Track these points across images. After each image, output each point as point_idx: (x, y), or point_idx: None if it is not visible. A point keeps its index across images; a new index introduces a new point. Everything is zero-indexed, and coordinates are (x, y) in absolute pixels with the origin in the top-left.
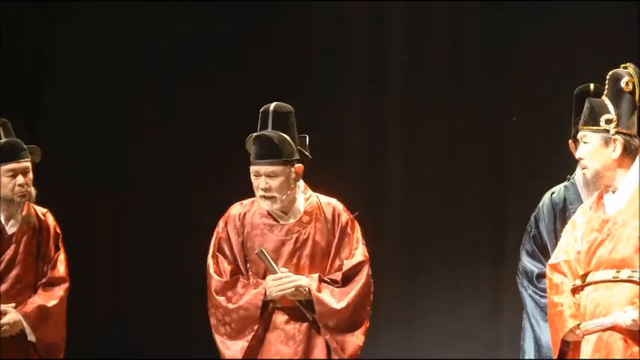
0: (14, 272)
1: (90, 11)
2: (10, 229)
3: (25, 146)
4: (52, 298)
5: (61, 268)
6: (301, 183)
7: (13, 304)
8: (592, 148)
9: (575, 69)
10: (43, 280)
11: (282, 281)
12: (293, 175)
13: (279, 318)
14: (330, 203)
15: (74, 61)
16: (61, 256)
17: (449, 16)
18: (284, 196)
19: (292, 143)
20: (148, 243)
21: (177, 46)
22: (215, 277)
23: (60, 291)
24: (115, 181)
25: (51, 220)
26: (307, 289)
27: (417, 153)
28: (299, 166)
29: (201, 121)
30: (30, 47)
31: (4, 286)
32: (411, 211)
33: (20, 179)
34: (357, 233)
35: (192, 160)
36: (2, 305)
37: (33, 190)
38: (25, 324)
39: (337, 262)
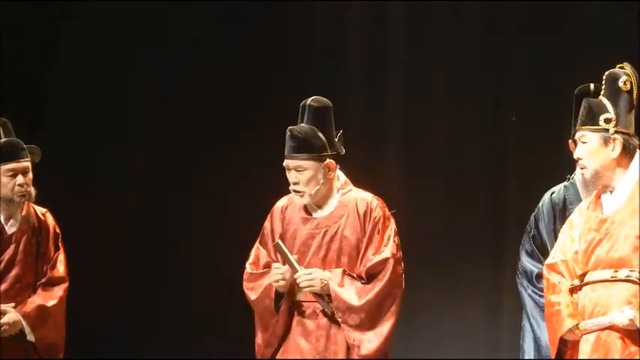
0: (14, 272)
1: (90, 11)
2: (10, 228)
3: (25, 146)
4: (51, 297)
5: (61, 268)
6: (341, 178)
7: (13, 304)
8: (591, 148)
9: (575, 69)
10: (43, 280)
11: (305, 276)
12: (322, 170)
13: (300, 313)
14: (365, 199)
15: (75, 61)
16: (61, 256)
17: (449, 16)
18: (312, 191)
19: (322, 138)
20: (147, 243)
21: (177, 46)
22: (247, 268)
23: (59, 291)
24: (114, 180)
25: (50, 219)
26: (326, 283)
27: (417, 152)
28: (330, 161)
29: (201, 121)
30: (30, 47)
31: (3, 286)
32: (410, 211)
33: (20, 179)
34: (390, 231)
35: (192, 160)
36: (2, 305)
37: (33, 190)
38: (24, 324)
39: (366, 259)
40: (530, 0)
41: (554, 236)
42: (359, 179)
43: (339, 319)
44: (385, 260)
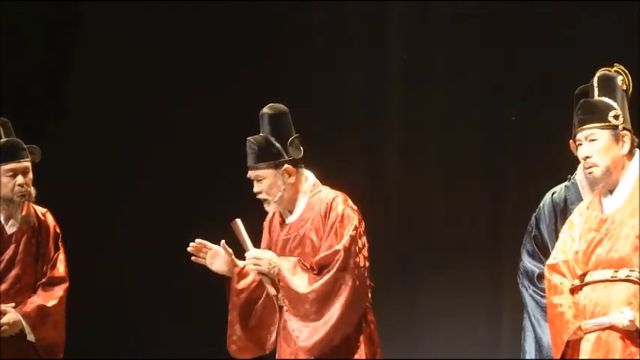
0: (14, 272)
1: (96, 12)
2: (10, 228)
3: (25, 146)
4: (51, 297)
5: (61, 268)
6: (310, 180)
7: (13, 304)
8: (602, 145)
9: (575, 69)
10: (43, 280)
11: (254, 254)
12: (282, 176)
13: (284, 315)
14: (327, 199)
15: (77, 61)
16: (61, 256)
17: (449, 16)
18: (276, 198)
19: (277, 145)
20: (148, 242)
21: (178, 46)
22: None
23: (60, 291)
24: (115, 180)
25: (51, 219)
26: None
27: (417, 152)
28: (288, 166)
29: (202, 122)
30: (30, 46)
31: (3, 286)
32: (411, 211)
33: (20, 179)
34: (348, 228)
35: (193, 160)
36: (2, 305)
37: (33, 190)
38: (24, 324)
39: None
40: (530, 0)
41: (556, 236)
42: (357, 180)
43: (285, 308)
44: (336, 252)
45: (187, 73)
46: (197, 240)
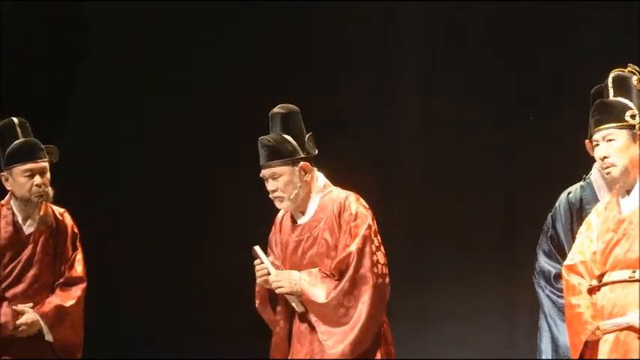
0: (32, 272)
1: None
2: (28, 229)
3: (42, 146)
4: (69, 297)
5: (79, 268)
6: (321, 180)
7: (31, 304)
8: (620, 145)
9: (575, 69)
10: (61, 280)
11: (274, 277)
12: (298, 174)
13: (297, 317)
14: (340, 199)
15: (94, 62)
16: (79, 256)
17: (462, 15)
18: (292, 195)
19: (293, 142)
20: (166, 243)
21: (185, 47)
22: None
23: (77, 291)
24: (132, 181)
25: (68, 219)
26: (297, 283)
27: (430, 152)
28: (304, 163)
29: (212, 122)
30: (49, 48)
31: (21, 286)
32: (425, 211)
33: (37, 179)
34: (363, 226)
35: (206, 160)
36: (20, 305)
37: (50, 190)
38: (42, 324)
39: (336, 256)
40: (529, 0)
41: (572, 236)
42: (371, 179)
43: (312, 319)
44: (349, 255)
45: (198, 75)
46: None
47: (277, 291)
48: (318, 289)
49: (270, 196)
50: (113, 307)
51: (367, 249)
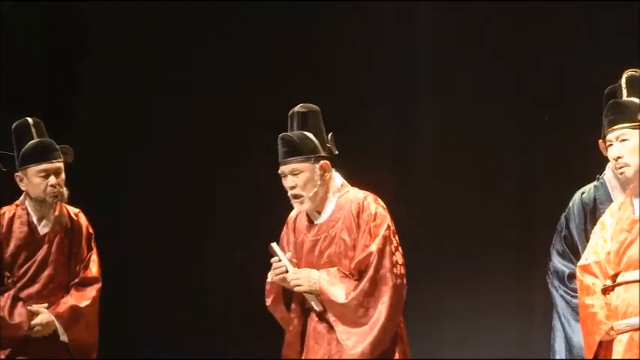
0: (47, 272)
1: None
2: (43, 229)
3: (57, 146)
4: (84, 298)
5: (94, 268)
6: (338, 180)
7: (46, 305)
8: (634, 145)
9: (575, 69)
10: (76, 281)
11: (293, 276)
12: (318, 172)
13: (314, 317)
14: (358, 199)
15: (94, 62)
16: (94, 256)
17: (477, 14)
18: (311, 193)
19: (315, 140)
20: (180, 244)
21: (185, 47)
22: (268, 277)
23: (92, 291)
24: (146, 181)
25: (83, 220)
26: (316, 281)
27: (446, 152)
28: (324, 162)
29: (212, 122)
30: (49, 48)
31: (36, 287)
32: (440, 210)
33: (52, 179)
34: (381, 228)
35: (206, 160)
36: (35, 305)
37: (65, 191)
38: (57, 324)
39: (356, 256)
40: (529, 0)
41: (585, 236)
42: (387, 179)
43: (331, 318)
44: (369, 255)
45: (211, 74)
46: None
47: (295, 289)
48: (338, 289)
49: (289, 194)
50: (113, 307)
51: (387, 249)
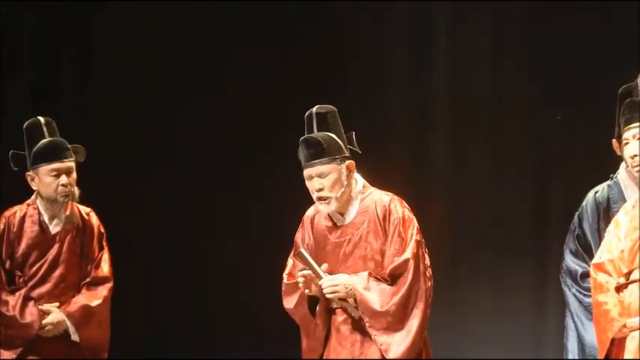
0: (58, 272)
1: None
2: (54, 228)
3: (69, 145)
4: (95, 297)
5: (105, 268)
6: (360, 182)
7: (57, 304)
8: None
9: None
10: (87, 280)
11: (329, 282)
12: (345, 172)
13: (337, 318)
14: (383, 201)
15: (94, 62)
16: (105, 256)
17: (493, 16)
18: (338, 194)
19: (339, 141)
20: (192, 244)
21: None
22: (284, 278)
23: (104, 290)
24: (131, 181)
25: (95, 219)
26: (351, 287)
27: (461, 152)
28: (350, 162)
29: (212, 122)
30: (49, 47)
31: (47, 286)
32: (455, 210)
33: (64, 179)
34: (411, 230)
35: (206, 160)
36: (46, 305)
37: (76, 190)
38: (68, 324)
39: (388, 261)
40: (529, 0)
41: (599, 235)
42: (404, 179)
43: (366, 324)
44: (406, 261)
45: (225, 73)
46: (302, 272)
47: (331, 296)
48: (373, 294)
49: (315, 195)
50: (113, 307)
51: (420, 253)
